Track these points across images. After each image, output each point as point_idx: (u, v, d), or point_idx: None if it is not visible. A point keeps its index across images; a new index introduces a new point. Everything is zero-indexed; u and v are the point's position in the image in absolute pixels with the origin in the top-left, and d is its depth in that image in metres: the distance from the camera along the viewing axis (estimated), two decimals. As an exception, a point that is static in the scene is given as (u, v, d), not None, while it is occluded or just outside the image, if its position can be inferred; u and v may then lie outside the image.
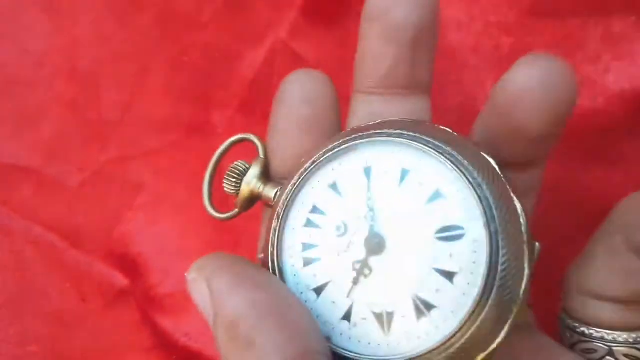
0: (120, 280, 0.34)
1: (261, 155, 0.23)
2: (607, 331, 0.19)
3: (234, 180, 0.23)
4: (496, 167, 0.19)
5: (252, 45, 0.34)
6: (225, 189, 0.23)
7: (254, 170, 0.23)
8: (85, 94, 0.35)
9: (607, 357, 0.19)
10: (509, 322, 0.18)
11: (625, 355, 0.19)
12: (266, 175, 0.23)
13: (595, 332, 0.19)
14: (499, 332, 0.18)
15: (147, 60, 0.35)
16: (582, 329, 0.19)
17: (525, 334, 0.21)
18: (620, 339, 0.19)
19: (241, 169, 0.23)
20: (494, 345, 0.18)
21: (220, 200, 0.25)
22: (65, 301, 0.33)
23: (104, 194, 0.34)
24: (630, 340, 0.19)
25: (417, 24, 0.20)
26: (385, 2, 0.20)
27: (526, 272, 0.18)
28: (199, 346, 0.33)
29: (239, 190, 0.23)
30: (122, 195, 0.34)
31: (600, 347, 0.19)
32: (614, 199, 0.29)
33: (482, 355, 0.18)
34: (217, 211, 0.24)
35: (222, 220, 0.24)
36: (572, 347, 0.20)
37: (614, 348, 0.19)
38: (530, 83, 0.18)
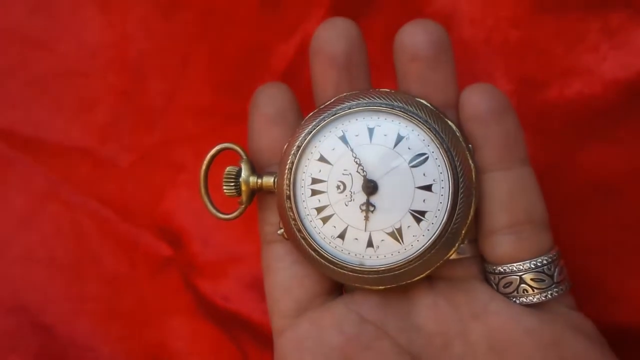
0: (165, 250, 0.37)
1: (244, 156, 0.27)
2: (514, 264, 0.25)
3: (232, 183, 0.27)
4: (429, 104, 0.25)
5: (284, 40, 0.37)
6: (227, 193, 0.27)
7: (245, 170, 0.27)
8: (134, 83, 0.37)
9: (521, 285, 0.25)
10: (473, 199, 0.25)
11: (532, 279, 0.25)
12: (255, 170, 0.27)
13: (507, 268, 0.25)
14: (470, 208, 0.25)
15: (189, 53, 0.37)
16: (498, 268, 0.25)
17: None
18: (524, 267, 0.25)
19: (235, 172, 0.27)
20: (470, 218, 0.25)
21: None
22: (117, 267, 0.37)
23: (150, 173, 0.37)
24: (532, 267, 0.25)
25: (346, 51, 0.25)
26: (320, 40, 0.26)
27: (472, 165, 0.25)
28: (236, 307, 0.36)
29: (239, 190, 0.27)
30: (166, 174, 0.37)
31: (513, 278, 0.25)
32: (608, 177, 0.32)
33: (465, 228, 0.25)
34: (224, 213, 0.28)
35: (233, 218, 0.28)
36: (497, 287, 0.26)
37: (523, 276, 0.25)
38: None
